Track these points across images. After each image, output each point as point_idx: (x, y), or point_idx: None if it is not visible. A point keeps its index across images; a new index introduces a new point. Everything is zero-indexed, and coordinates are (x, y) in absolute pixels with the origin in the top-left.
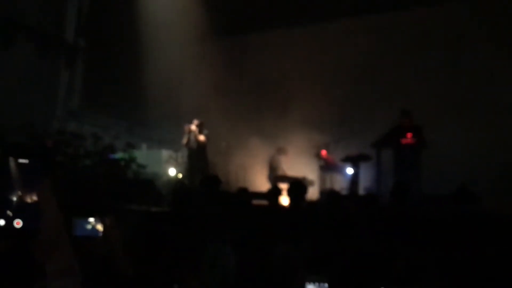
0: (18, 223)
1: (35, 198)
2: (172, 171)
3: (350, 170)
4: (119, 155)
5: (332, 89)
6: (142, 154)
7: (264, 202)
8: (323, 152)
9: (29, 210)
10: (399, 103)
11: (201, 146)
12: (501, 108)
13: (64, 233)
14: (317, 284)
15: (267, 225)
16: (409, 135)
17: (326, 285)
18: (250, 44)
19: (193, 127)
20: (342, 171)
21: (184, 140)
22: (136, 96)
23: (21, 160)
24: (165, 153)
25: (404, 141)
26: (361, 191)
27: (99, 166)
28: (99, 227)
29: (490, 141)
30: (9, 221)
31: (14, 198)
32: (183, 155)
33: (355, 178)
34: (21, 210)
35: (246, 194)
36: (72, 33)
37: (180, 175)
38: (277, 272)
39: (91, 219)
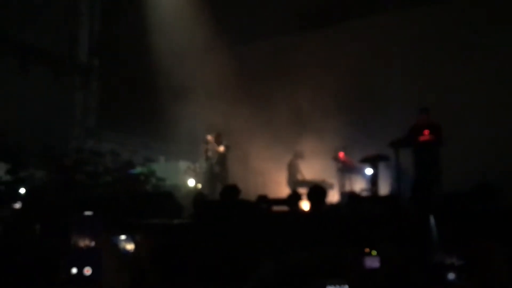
0: (87, 271)
1: (97, 247)
2: (191, 182)
3: (369, 171)
4: (138, 170)
5: (345, 93)
6: (160, 167)
7: (284, 208)
8: (341, 154)
9: (93, 259)
10: (414, 102)
11: (221, 156)
12: None
13: (124, 278)
14: (338, 286)
15: (288, 231)
16: (426, 132)
17: (347, 286)
18: (262, 51)
19: (211, 138)
20: (361, 173)
21: (204, 153)
22: (151, 110)
23: (86, 213)
24: (183, 164)
25: (421, 138)
26: (381, 191)
27: (119, 182)
28: (130, 244)
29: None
30: (80, 269)
31: (82, 247)
32: (201, 165)
33: (374, 179)
34: (86, 258)
35: (266, 201)
36: (85, 53)
37: (199, 186)
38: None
39: (123, 237)
